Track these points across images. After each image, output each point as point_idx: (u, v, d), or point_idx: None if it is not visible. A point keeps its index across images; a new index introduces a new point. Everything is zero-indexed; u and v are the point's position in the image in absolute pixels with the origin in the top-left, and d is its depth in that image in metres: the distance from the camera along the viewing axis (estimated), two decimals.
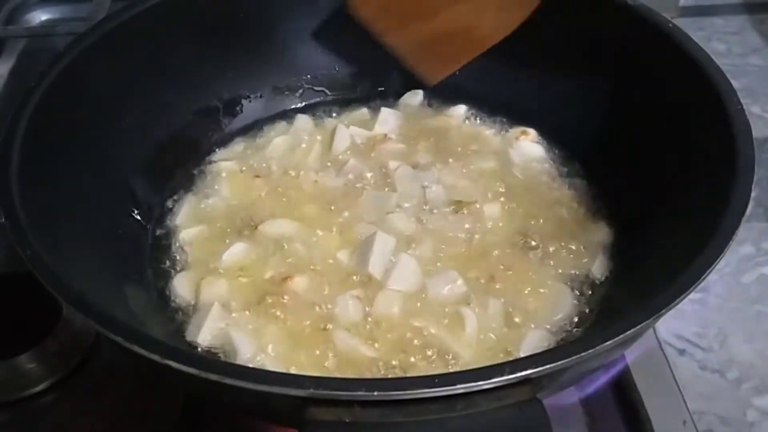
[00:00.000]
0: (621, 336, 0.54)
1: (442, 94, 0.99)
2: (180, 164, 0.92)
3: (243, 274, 0.80)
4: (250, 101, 0.99)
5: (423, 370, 0.70)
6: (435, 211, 0.85)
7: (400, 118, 0.98)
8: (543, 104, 0.94)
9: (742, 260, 0.95)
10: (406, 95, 1.00)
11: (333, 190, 0.89)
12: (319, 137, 0.96)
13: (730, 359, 0.85)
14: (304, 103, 1.01)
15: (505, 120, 0.97)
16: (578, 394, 0.79)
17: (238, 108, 0.98)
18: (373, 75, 1.02)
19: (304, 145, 0.95)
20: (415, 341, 0.73)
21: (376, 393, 0.50)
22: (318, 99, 1.02)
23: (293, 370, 0.70)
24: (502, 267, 0.79)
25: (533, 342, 0.73)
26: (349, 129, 0.96)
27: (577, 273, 0.79)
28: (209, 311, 0.75)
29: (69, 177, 0.75)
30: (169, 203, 0.88)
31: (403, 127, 0.97)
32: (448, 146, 0.94)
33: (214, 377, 0.52)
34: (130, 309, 0.72)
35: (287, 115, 1.00)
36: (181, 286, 0.79)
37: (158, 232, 0.86)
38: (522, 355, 0.71)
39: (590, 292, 0.78)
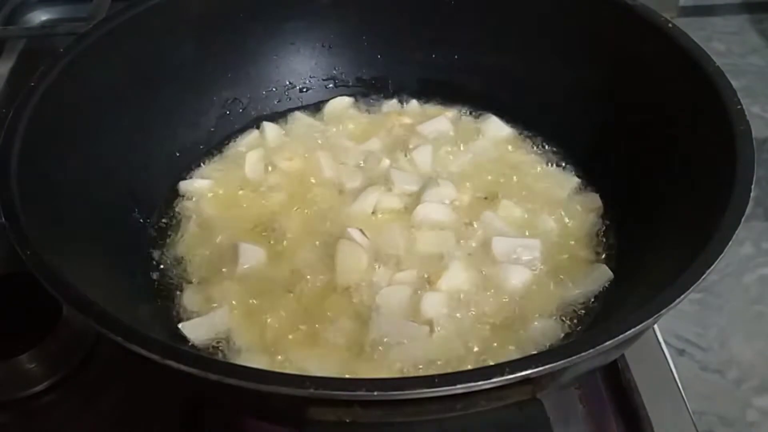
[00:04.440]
0: (621, 336, 0.54)
1: (440, 94, 1.00)
2: (180, 163, 0.92)
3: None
4: (250, 100, 0.99)
5: None
6: None
7: None
8: (542, 105, 0.93)
9: (742, 260, 0.96)
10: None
11: None
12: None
13: (730, 359, 0.85)
14: (303, 103, 1.01)
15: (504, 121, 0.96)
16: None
17: (238, 107, 0.98)
18: (373, 75, 1.02)
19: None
20: None
21: (376, 393, 0.50)
22: (317, 99, 1.02)
23: None
24: None
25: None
26: None
27: None
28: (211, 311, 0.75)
29: (69, 177, 0.75)
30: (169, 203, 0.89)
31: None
32: None
33: (214, 377, 0.52)
34: (129, 309, 0.72)
35: (287, 115, 1.00)
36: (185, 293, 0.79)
37: (158, 231, 0.86)
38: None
39: None
